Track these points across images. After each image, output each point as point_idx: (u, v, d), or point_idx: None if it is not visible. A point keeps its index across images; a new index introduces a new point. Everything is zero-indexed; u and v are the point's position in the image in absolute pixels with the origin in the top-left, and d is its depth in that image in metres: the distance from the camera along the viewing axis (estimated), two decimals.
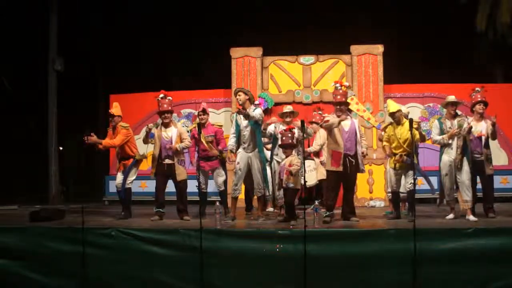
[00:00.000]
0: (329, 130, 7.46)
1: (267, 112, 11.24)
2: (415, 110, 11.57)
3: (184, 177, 7.97)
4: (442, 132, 7.54)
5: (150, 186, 11.33)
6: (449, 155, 7.47)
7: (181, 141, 7.93)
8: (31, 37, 15.31)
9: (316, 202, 7.01)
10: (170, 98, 8.02)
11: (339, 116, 7.48)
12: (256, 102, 7.95)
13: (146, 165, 12.02)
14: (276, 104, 11.46)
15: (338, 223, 7.30)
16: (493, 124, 7.56)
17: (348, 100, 7.96)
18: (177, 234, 6.41)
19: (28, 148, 16.03)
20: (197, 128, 7.09)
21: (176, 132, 7.94)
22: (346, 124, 7.45)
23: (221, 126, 9.47)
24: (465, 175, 7.39)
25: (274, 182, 7.96)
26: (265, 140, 8.18)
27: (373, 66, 11.60)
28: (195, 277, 6.17)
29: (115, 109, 8.28)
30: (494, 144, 7.94)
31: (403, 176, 7.70)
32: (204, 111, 8.52)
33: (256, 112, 7.50)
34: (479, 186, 7.84)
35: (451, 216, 7.47)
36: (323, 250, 6.08)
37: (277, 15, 17.08)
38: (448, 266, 5.91)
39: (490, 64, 15.43)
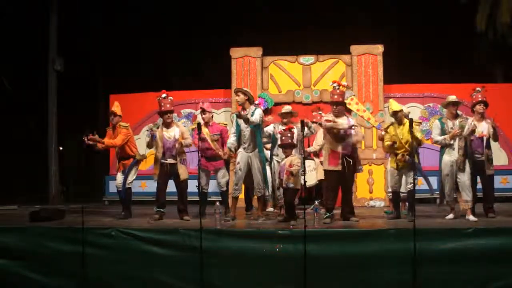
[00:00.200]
0: (328, 130, 7.46)
1: (267, 112, 11.23)
2: (415, 110, 11.57)
3: (186, 176, 7.98)
4: (443, 132, 7.51)
5: (150, 186, 11.34)
6: (450, 156, 7.46)
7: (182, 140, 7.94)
8: (31, 37, 15.31)
9: (316, 202, 7.01)
10: (171, 98, 8.02)
11: (336, 115, 7.47)
12: (256, 102, 7.95)
13: (146, 165, 12.05)
14: (276, 104, 11.46)
15: (338, 223, 7.30)
16: (494, 127, 7.57)
17: (348, 100, 7.99)
18: (177, 234, 6.42)
19: (28, 148, 16.03)
20: (197, 129, 7.08)
21: (179, 131, 7.94)
22: (343, 124, 7.44)
23: (226, 124, 9.47)
24: (465, 175, 7.38)
25: (274, 182, 7.96)
26: (263, 140, 8.18)
27: (373, 66, 11.60)
28: (195, 277, 6.17)
29: (116, 108, 8.28)
30: (494, 144, 7.93)
31: (403, 176, 7.70)
32: (204, 111, 8.50)
33: (255, 116, 7.47)
34: (479, 186, 7.84)
35: (451, 216, 7.47)
36: (323, 250, 6.08)
37: (277, 15, 17.08)
38: (448, 266, 5.92)
39: (490, 64, 15.44)
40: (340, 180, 7.49)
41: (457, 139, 7.40)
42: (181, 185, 7.96)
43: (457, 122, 7.48)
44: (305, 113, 10.28)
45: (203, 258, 6.17)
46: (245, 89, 7.90)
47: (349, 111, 8.35)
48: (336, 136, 7.37)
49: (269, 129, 8.12)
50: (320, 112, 9.50)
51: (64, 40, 14.44)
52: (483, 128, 7.62)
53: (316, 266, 5.98)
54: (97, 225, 7.00)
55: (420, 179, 7.86)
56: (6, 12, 14.63)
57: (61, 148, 14.64)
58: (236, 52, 11.98)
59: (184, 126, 8.88)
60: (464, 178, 7.37)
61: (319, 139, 9.24)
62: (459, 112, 7.65)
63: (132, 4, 17.12)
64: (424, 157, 10.00)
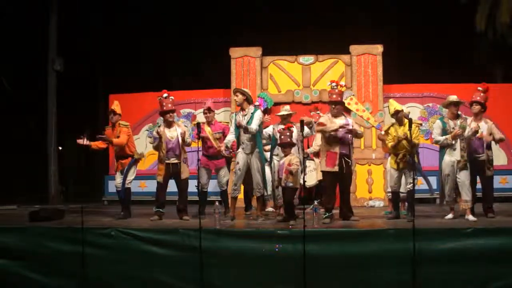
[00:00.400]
0: (323, 132, 7.48)
1: (266, 112, 11.24)
2: (414, 110, 11.55)
3: (187, 175, 8.00)
4: (445, 132, 7.47)
5: (149, 186, 11.35)
6: (451, 156, 7.45)
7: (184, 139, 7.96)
8: (31, 37, 15.31)
9: (316, 202, 7.02)
10: (172, 97, 8.05)
11: (334, 115, 7.47)
12: (257, 103, 7.96)
13: (145, 165, 12.04)
14: (276, 104, 11.46)
15: (337, 223, 7.30)
16: (499, 140, 7.67)
17: (348, 100, 7.99)
18: (177, 234, 6.43)
19: (28, 148, 16.03)
20: (196, 128, 7.09)
21: (181, 131, 7.96)
22: (334, 126, 7.42)
23: (228, 123, 9.48)
24: (465, 175, 7.38)
25: (274, 182, 7.96)
26: (263, 142, 8.18)
27: (373, 66, 11.60)
28: (195, 277, 6.18)
29: (116, 107, 8.29)
30: (493, 144, 7.94)
31: (403, 176, 7.70)
32: (210, 109, 8.52)
33: (253, 124, 7.48)
34: (478, 186, 7.85)
35: (450, 216, 7.47)
36: (322, 250, 6.09)
37: (277, 15, 17.08)
38: (447, 266, 5.92)
39: (490, 64, 15.44)
40: (338, 180, 7.50)
41: (458, 139, 7.40)
42: (182, 185, 7.97)
43: (458, 122, 7.47)
44: (304, 113, 10.27)
45: (203, 258, 6.18)
46: (244, 89, 7.90)
47: (349, 111, 8.35)
48: (331, 137, 7.37)
49: (268, 130, 8.14)
50: (318, 112, 9.51)
51: (64, 40, 14.44)
52: (483, 128, 7.63)
53: (315, 266, 5.98)
54: (96, 225, 7.00)
55: (420, 179, 7.86)
56: (6, 12, 14.62)
57: (60, 148, 14.63)
58: (235, 52, 11.99)
59: (185, 126, 8.90)
60: (464, 178, 7.37)
61: (319, 139, 9.23)
62: (459, 112, 7.66)
63: (132, 4, 17.11)
64: (423, 157, 10.01)
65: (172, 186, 8.09)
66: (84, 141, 7.86)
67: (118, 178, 8.21)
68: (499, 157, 11.21)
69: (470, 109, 7.88)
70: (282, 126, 7.67)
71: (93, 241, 6.53)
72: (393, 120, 7.73)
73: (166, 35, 17.34)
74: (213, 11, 17.20)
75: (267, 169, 8.09)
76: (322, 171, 7.68)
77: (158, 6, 17.07)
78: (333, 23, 16.15)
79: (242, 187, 8.45)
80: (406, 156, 7.42)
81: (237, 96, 7.71)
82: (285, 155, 7.32)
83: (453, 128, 7.43)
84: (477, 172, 7.68)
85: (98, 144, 8.32)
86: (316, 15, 16.92)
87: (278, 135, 7.57)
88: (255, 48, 11.97)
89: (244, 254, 6.20)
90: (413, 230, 5.91)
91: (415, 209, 6.51)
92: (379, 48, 11.66)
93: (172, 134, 7.90)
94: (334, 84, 7.58)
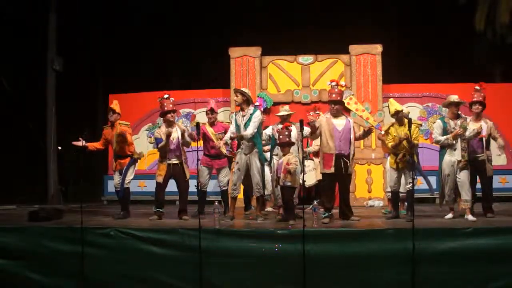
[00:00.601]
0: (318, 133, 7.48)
1: (266, 111, 11.24)
2: (414, 110, 11.56)
3: (188, 176, 7.99)
4: (445, 132, 7.48)
5: (148, 185, 11.36)
6: (452, 156, 7.45)
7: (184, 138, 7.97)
8: (30, 37, 15.29)
9: (315, 202, 7.01)
10: (173, 99, 8.06)
11: (334, 114, 7.46)
12: (256, 104, 7.96)
13: (145, 165, 12.05)
14: (275, 103, 11.46)
15: (336, 222, 7.30)
16: (501, 146, 7.68)
17: (347, 100, 7.97)
18: (176, 233, 6.43)
19: (27, 148, 16.00)
20: (196, 128, 7.10)
21: (180, 131, 7.96)
22: (340, 124, 7.43)
23: (229, 122, 9.47)
24: (466, 175, 7.39)
25: (274, 181, 7.96)
26: (263, 143, 8.19)
27: (372, 66, 11.61)
28: (194, 277, 6.18)
29: (115, 106, 8.29)
30: (493, 144, 7.94)
31: (402, 176, 7.70)
32: (213, 110, 8.52)
33: (249, 131, 7.50)
34: (478, 186, 7.85)
35: (449, 215, 7.48)
36: (322, 250, 6.10)
37: (276, 15, 17.06)
38: (447, 266, 5.93)
39: (489, 64, 15.43)
40: (337, 181, 7.50)
41: (459, 139, 7.40)
42: (183, 186, 7.96)
43: (458, 122, 7.47)
44: (304, 113, 10.28)
45: (202, 257, 6.18)
46: (244, 89, 7.90)
47: (348, 110, 8.34)
48: (329, 138, 7.36)
49: (267, 131, 8.15)
50: (318, 112, 9.50)
51: (64, 39, 14.43)
52: (483, 128, 7.64)
53: (315, 265, 5.99)
54: (96, 225, 7.00)
55: (419, 179, 7.86)
56: (5, 12, 14.60)
57: (60, 148, 14.61)
58: (235, 52, 11.99)
59: (185, 126, 8.91)
60: (465, 177, 7.37)
61: (318, 139, 9.25)
62: (459, 112, 7.65)
63: (132, 4, 17.09)
64: (423, 156, 10.02)
65: (171, 186, 8.09)
66: (81, 143, 7.86)
67: (117, 178, 8.21)
68: (498, 157, 11.21)
69: (470, 110, 7.87)
70: (281, 126, 7.67)
71: (92, 241, 6.54)
72: (393, 120, 7.73)
73: (166, 35, 17.32)
74: (213, 11, 17.18)
75: (266, 169, 8.09)
76: (321, 173, 7.68)
77: (158, 6, 17.04)
78: (332, 23, 16.13)
79: (242, 187, 8.46)
80: (405, 156, 7.42)
81: (237, 96, 7.73)
82: (284, 155, 7.32)
83: (454, 128, 7.43)
84: (476, 172, 7.68)
85: (95, 145, 8.33)
86: (315, 15, 16.90)
87: (277, 134, 7.57)
88: (255, 48, 11.97)
89: (244, 254, 6.21)
90: (413, 230, 5.91)
91: (415, 209, 6.51)
92: (378, 48, 11.67)
93: (173, 134, 7.90)
94: (334, 83, 7.58)
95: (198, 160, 7.06)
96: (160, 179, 7.91)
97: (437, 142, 7.63)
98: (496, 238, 6.03)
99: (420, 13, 16.53)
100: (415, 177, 7.38)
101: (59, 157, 14.40)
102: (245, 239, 6.29)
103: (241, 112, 7.71)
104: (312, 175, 9.34)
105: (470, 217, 7.22)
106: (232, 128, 7.75)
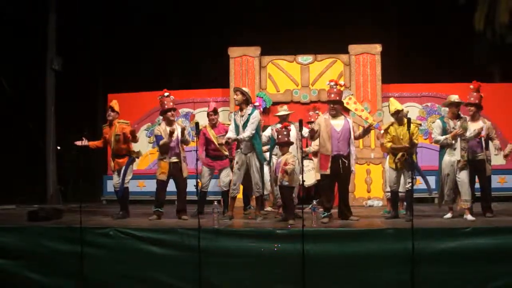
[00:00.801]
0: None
1: (265, 111, 11.25)
2: (413, 110, 11.56)
3: (186, 174, 7.99)
4: (445, 132, 7.48)
5: (148, 185, 11.36)
6: (451, 156, 7.45)
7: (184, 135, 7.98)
8: (30, 37, 15.29)
9: (314, 202, 7.01)
10: (172, 97, 8.06)
11: (333, 114, 7.46)
12: (256, 104, 7.96)
13: (144, 165, 12.05)
14: (274, 103, 11.45)
15: (336, 222, 7.30)
16: (498, 149, 7.69)
17: (346, 100, 7.98)
18: (175, 233, 6.43)
19: (27, 148, 15.99)
20: (195, 128, 7.10)
21: (180, 129, 7.96)
22: (338, 124, 7.42)
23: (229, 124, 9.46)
24: (466, 175, 7.39)
25: (273, 181, 7.97)
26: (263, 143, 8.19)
27: (371, 66, 11.61)
28: (194, 277, 6.17)
29: (114, 104, 8.28)
30: (492, 144, 7.94)
31: (402, 176, 7.70)
32: (216, 111, 8.52)
33: (246, 133, 7.48)
34: (477, 185, 7.85)
35: (449, 215, 7.48)
36: (321, 250, 6.09)
37: (276, 15, 17.07)
38: (446, 266, 5.93)
39: (489, 64, 15.43)
40: (336, 181, 7.50)
41: (458, 139, 7.40)
42: (182, 184, 7.96)
43: (458, 122, 7.47)
44: (303, 113, 10.29)
45: (201, 257, 6.18)
46: (245, 89, 7.89)
47: (347, 110, 8.34)
48: (326, 139, 7.36)
49: (266, 133, 8.16)
50: (317, 112, 9.51)
51: (64, 39, 14.43)
52: (483, 128, 7.65)
53: (314, 265, 5.99)
54: (95, 225, 6.99)
55: (418, 179, 7.87)
56: (5, 11, 14.60)
57: (59, 148, 14.62)
58: (234, 52, 11.99)
59: (185, 126, 8.91)
60: (465, 177, 7.37)
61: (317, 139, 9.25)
62: (459, 112, 7.65)
63: (132, 4, 17.08)
64: (422, 156, 10.03)
65: (170, 186, 8.09)
66: (82, 142, 7.87)
67: (116, 178, 8.20)
68: (497, 157, 11.20)
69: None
70: (280, 125, 7.68)
71: (91, 240, 6.53)
72: (392, 119, 7.73)
73: (166, 35, 17.31)
74: (213, 11, 17.18)
75: (266, 168, 8.09)
76: (320, 174, 7.69)
77: (158, 6, 17.04)
78: (332, 23, 16.14)
79: (241, 186, 8.46)
80: (404, 156, 7.43)
81: (237, 95, 7.71)
82: (283, 154, 7.33)
83: (453, 128, 7.43)
84: (475, 172, 7.69)
85: (96, 143, 8.33)
86: (315, 15, 16.90)
87: (276, 134, 7.58)
88: (254, 47, 11.97)
89: (243, 254, 6.20)
90: (412, 229, 5.91)
91: (414, 208, 6.51)
92: (377, 48, 11.67)
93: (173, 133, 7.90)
94: (332, 83, 7.58)
95: (197, 160, 7.06)
96: (163, 177, 7.87)
97: (436, 142, 7.63)
98: (495, 237, 6.02)
99: (420, 13, 16.53)
100: (414, 177, 7.38)
101: (59, 157, 14.41)
102: (244, 239, 6.29)
103: (239, 112, 7.70)
104: (311, 174, 9.34)
105: (469, 216, 7.22)
106: (232, 128, 7.75)
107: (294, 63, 11.86)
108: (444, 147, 7.52)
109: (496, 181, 10.82)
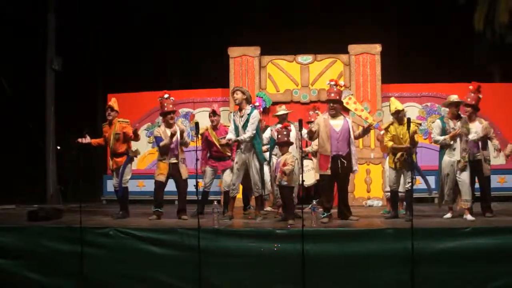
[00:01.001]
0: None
1: (265, 111, 11.25)
2: (412, 110, 11.57)
3: (186, 175, 7.99)
4: (444, 132, 7.47)
5: (147, 185, 11.34)
6: (451, 156, 7.45)
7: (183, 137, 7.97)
8: (30, 37, 15.29)
9: (314, 202, 7.01)
10: (173, 98, 8.06)
11: (333, 114, 7.46)
12: (256, 104, 7.96)
13: (144, 164, 12.04)
14: (274, 103, 11.44)
15: (335, 222, 7.30)
16: (498, 149, 7.66)
17: (346, 100, 7.99)
18: (175, 233, 6.43)
19: (26, 148, 16.00)
20: (195, 128, 7.10)
21: (180, 131, 7.96)
22: (338, 125, 7.41)
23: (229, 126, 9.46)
24: (466, 175, 7.39)
25: (273, 181, 7.97)
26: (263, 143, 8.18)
27: (371, 66, 11.60)
28: (193, 277, 6.18)
29: (114, 104, 8.29)
30: (491, 144, 7.94)
31: (401, 175, 7.70)
32: (215, 113, 8.52)
33: (247, 134, 7.48)
34: (476, 185, 7.85)
35: (448, 215, 7.48)
36: (321, 250, 6.09)
37: (276, 15, 17.07)
38: (446, 266, 5.93)
39: (489, 64, 15.44)
40: (335, 181, 7.50)
41: (458, 140, 7.40)
42: (182, 184, 7.96)
43: (458, 122, 7.46)
44: (303, 113, 10.29)
45: (201, 257, 6.18)
46: (245, 88, 7.89)
47: (347, 110, 8.34)
48: (325, 140, 7.36)
49: (266, 134, 8.15)
50: (317, 111, 9.51)
51: (63, 39, 14.43)
52: (477, 128, 7.66)
53: (314, 265, 5.99)
54: (95, 225, 6.99)
55: (418, 179, 7.87)
56: (5, 11, 14.60)
57: (59, 148, 14.62)
58: (234, 52, 11.99)
59: (185, 126, 8.92)
60: (465, 177, 7.37)
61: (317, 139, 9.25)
62: (459, 112, 7.65)
63: (132, 4, 17.09)
64: (422, 156, 10.03)
65: (169, 185, 8.09)
66: (85, 140, 7.89)
67: (115, 178, 8.21)
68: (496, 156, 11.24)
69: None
70: (279, 125, 7.68)
71: (91, 240, 6.53)
72: (394, 119, 7.73)
73: (166, 35, 17.32)
74: (213, 11, 17.18)
75: (265, 168, 8.09)
76: (319, 174, 7.69)
77: (158, 6, 17.04)
78: (332, 23, 16.14)
79: (241, 186, 8.45)
80: (403, 156, 7.43)
81: (237, 94, 7.70)
82: (282, 154, 7.34)
83: (453, 128, 7.43)
84: (474, 172, 7.68)
85: (98, 141, 8.34)
86: (315, 15, 16.91)
87: (276, 134, 7.57)
88: (254, 47, 11.97)
89: (243, 254, 6.20)
90: (412, 229, 5.91)
91: (414, 208, 6.51)
92: (377, 48, 11.66)
93: None
94: (332, 83, 7.58)
95: (197, 160, 7.07)
96: (162, 178, 7.88)
97: (435, 142, 7.64)
98: (495, 237, 6.02)
99: (420, 13, 16.54)
100: (414, 176, 7.39)
101: (59, 157, 14.42)
102: (244, 239, 6.29)
103: (238, 112, 7.69)
104: (311, 174, 9.34)
105: (469, 216, 7.21)
106: (231, 128, 7.74)
107: (294, 63, 11.86)
108: (443, 147, 7.53)
109: (496, 181, 10.81)
